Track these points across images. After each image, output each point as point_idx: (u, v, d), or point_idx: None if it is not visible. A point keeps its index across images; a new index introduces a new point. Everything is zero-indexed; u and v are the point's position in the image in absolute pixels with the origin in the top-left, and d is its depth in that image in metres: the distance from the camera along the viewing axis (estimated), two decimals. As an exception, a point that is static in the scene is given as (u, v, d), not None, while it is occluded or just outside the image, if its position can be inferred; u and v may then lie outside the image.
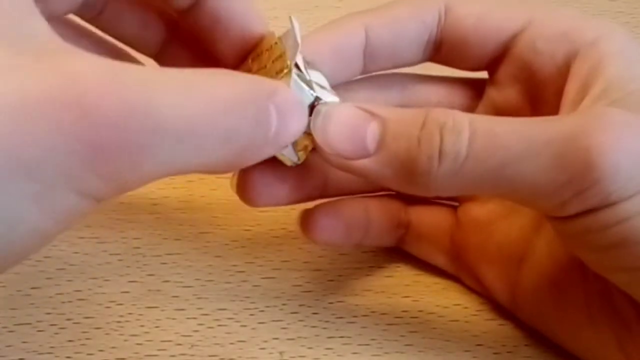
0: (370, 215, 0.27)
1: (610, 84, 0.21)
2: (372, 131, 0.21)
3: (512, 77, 0.25)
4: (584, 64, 0.23)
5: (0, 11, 0.16)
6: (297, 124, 0.21)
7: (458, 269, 0.28)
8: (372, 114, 0.22)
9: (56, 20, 0.22)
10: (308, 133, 0.22)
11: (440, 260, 0.28)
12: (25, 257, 0.18)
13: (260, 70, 0.23)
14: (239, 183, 0.25)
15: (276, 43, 0.23)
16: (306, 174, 0.25)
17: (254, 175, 0.24)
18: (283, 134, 0.20)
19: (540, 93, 0.24)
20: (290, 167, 0.23)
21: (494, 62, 0.25)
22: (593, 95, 0.22)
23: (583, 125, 0.20)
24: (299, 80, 0.22)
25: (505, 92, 0.26)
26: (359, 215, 0.27)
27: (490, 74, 0.26)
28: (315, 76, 0.23)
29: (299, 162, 0.23)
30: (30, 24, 0.17)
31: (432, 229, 0.28)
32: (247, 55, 0.24)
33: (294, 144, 0.23)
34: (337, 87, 0.24)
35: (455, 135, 0.20)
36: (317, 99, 0.22)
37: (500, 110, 0.26)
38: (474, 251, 0.27)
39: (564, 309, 0.25)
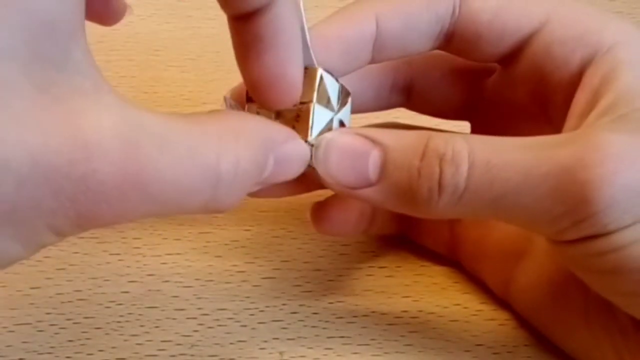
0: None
1: (619, 97, 0.21)
2: (373, 160, 0.22)
3: (524, 78, 0.25)
4: (596, 73, 0.22)
5: (45, 29, 0.15)
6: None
7: (457, 258, 0.29)
8: (374, 141, 0.22)
9: None
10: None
11: (440, 250, 0.29)
12: None
13: None
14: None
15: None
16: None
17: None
18: (273, 179, 0.21)
19: (550, 97, 0.24)
20: None
21: (507, 58, 0.25)
22: (599, 110, 0.21)
23: (580, 157, 0.20)
24: (320, 107, 0.22)
25: (515, 90, 0.25)
26: (367, 206, 0.27)
27: (502, 67, 0.26)
28: (329, 82, 0.23)
29: None
30: (70, 52, 0.16)
31: (433, 221, 0.28)
32: None
33: None
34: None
35: (454, 167, 0.20)
36: (331, 119, 0.23)
37: (506, 106, 0.26)
38: (472, 245, 0.28)
39: (562, 309, 0.25)
